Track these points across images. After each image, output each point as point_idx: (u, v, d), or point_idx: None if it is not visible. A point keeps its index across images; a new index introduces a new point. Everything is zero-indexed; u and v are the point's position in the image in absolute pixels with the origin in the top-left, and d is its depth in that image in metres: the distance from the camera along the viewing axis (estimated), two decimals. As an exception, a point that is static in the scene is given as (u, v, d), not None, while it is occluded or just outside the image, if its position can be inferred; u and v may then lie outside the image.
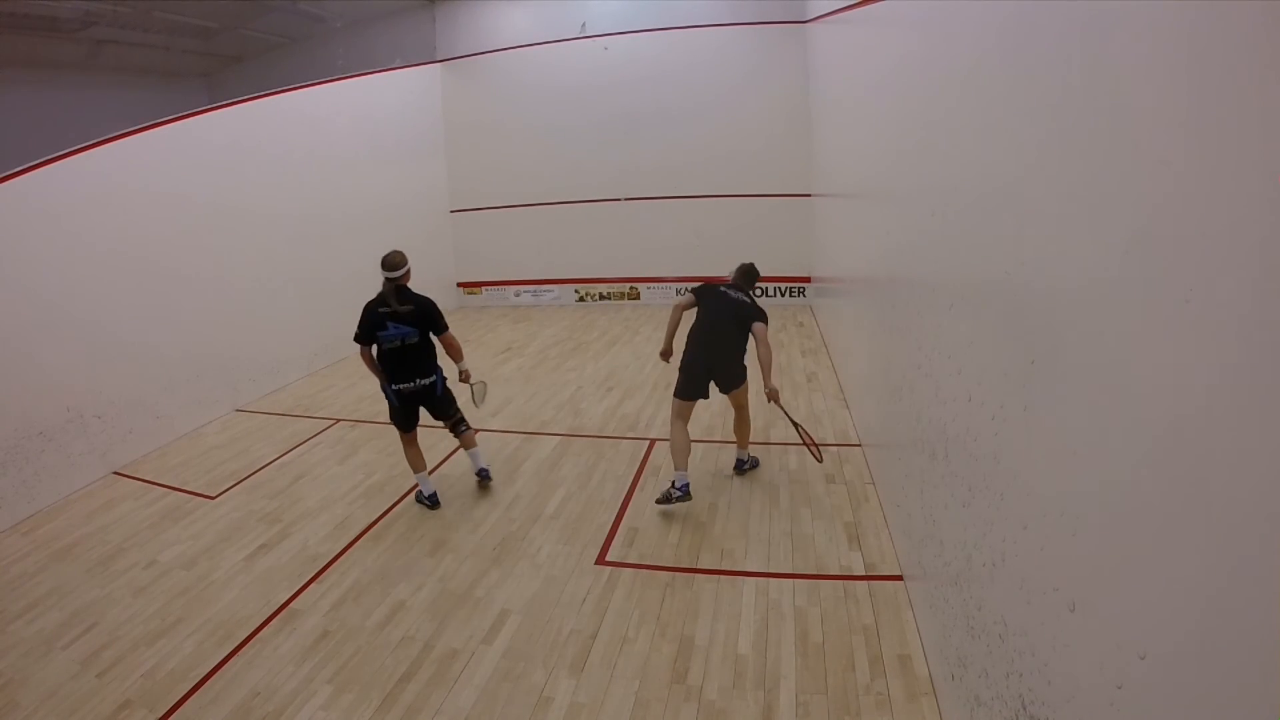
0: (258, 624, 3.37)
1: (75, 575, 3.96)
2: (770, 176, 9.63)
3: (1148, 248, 1.14)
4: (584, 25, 9.99)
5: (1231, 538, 0.93)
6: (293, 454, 5.54)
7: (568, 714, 2.67)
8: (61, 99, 9.44)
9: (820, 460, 4.30)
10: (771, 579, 3.43)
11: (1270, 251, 0.85)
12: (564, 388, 6.75)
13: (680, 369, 4.30)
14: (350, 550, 3.99)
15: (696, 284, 4.40)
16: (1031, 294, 1.66)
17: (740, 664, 2.86)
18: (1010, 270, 1.80)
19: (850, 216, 5.57)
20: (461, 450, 4.85)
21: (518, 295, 11.08)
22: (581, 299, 10.80)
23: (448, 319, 4.41)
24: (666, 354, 4.47)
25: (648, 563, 3.65)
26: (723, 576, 3.48)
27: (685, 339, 4.32)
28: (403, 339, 4.19)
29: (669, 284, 10.20)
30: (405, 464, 4.75)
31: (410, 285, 4.28)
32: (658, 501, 4.18)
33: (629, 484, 4.57)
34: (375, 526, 4.24)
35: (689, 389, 4.23)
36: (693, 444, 4.29)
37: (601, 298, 10.73)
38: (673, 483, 4.19)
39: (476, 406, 4.56)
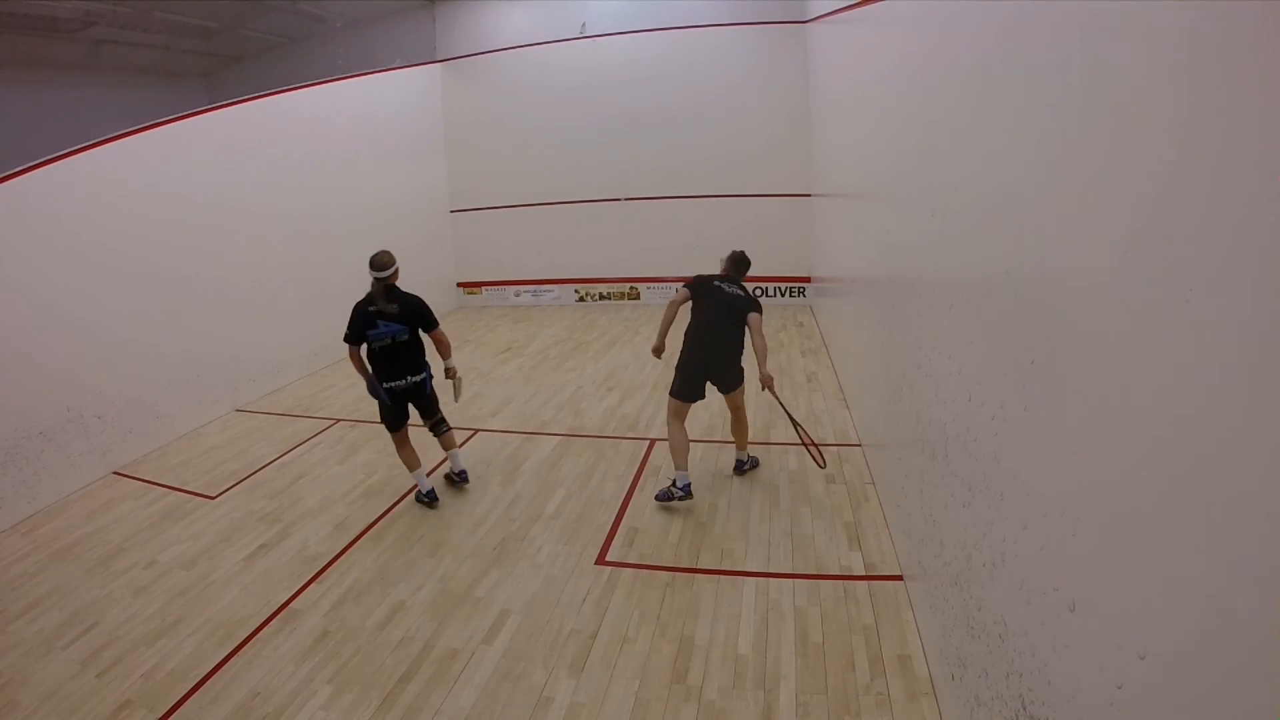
0: (258, 624, 3.37)
1: (75, 575, 3.96)
2: (770, 176, 9.63)
3: (1148, 248, 1.14)
4: (584, 25, 9.99)
5: (1231, 538, 0.93)
6: (293, 454, 5.54)
7: (568, 714, 2.67)
8: (61, 99, 9.44)
9: (823, 466, 4.27)
10: (771, 579, 3.43)
11: (1270, 251, 0.85)
12: (564, 388, 6.75)
13: (678, 369, 4.27)
14: (350, 550, 3.99)
15: (690, 279, 4.35)
16: (1031, 294, 1.66)
17: (740, 664, 2.86)
18: (1010, 270, 1.80)
19: (850, 216, 5.57)
20: (466, 446, 4.85)
21: (518, 295, 11.08)
22: (581, 299, 10.80)
23: (448, 319, 4.43)
24: (659, 350, 4.39)
25: (648, 563, 3.65)
26: (723, 576, 3.48)
27: (682, 337, 4.30)
28: (393, 336, 4.22)
29: (669, 284, 10.18)
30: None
31: (401, 285, 4.29)
32: (657, 498, 4.18)
33: (629, 484, 4.57)
34: (375, 526, 4.24)
35: (686, 390, 4.22)
36: (693, 444, 4.29)
37: (601, 298, 10.73)
38: (673, 481, 4.20)
39: (455, 401, 4.57)
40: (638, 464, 4.87)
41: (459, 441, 4.88)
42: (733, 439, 4.56)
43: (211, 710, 2.82)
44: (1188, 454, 1.03)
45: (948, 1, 2.44)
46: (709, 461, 4.75)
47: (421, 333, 4.34)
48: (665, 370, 4.39)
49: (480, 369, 7.60)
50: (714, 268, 4.50)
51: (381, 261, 4.19)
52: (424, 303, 4.33)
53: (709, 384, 4.26)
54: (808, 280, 9.74)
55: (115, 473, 5.44)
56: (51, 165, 5.22)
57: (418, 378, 4.36)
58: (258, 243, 7.15)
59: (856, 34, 5.10)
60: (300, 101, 7.97)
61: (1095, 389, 1.32)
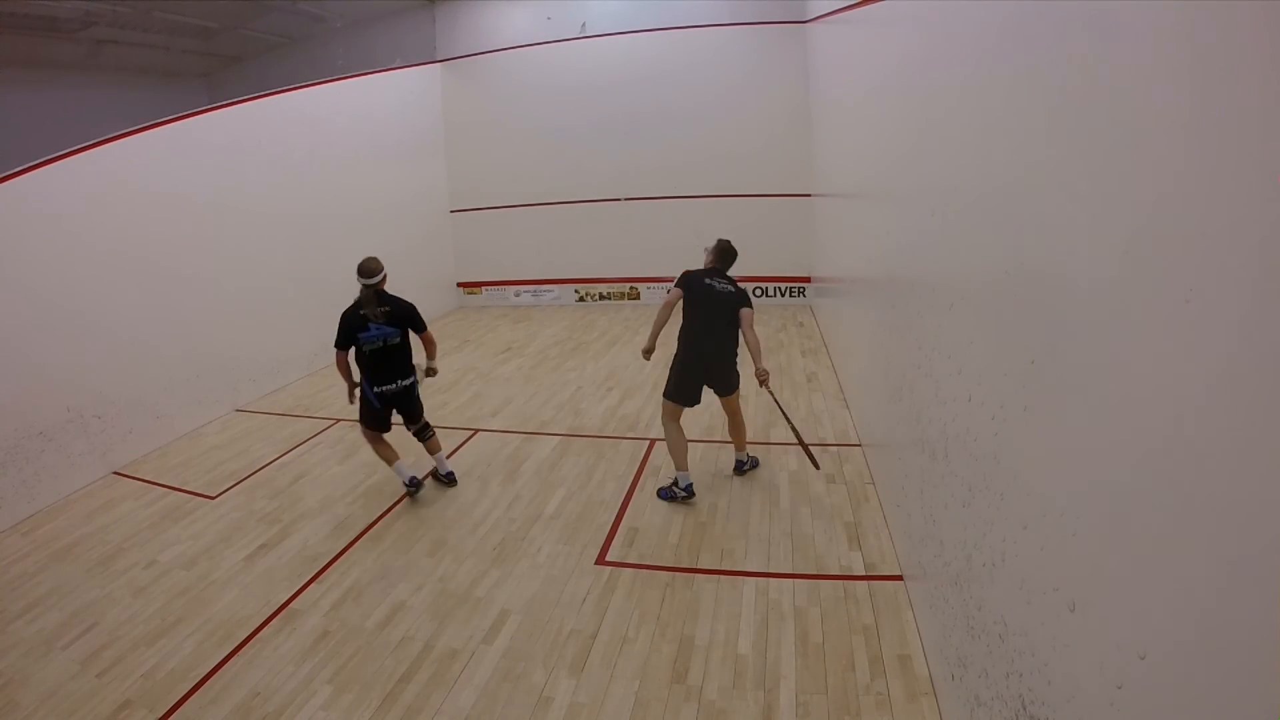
0: (258, 624, 3.37)
1: (75, 575, 3.96)
2: (770, 176, 9.63)
3: (1148, 248, 1.14)
4: (584, 25, 9.99)
5: (1231, 538, 0.93)
6: (293, 454, 5.54)
7: (568, 714, 2.67)
8: (61, 99, 9.44)
9: (818, 468, 4.25)
10: (771, 579, 3.43)
11: (1270, 251, 0.85)
12: (564, 388, 6.75)
13: (674, 372, 4.21)
14: (350, 550, 3.99)
15: (680, 277, 4.26)
16: (1031, 294, 1.66)
17: (740, 664, 2.86)
18: (1010, 270, 1.80)
19: (850, 216, 5.57)
20: (466, 446, 4.86)
21: (518, 295, 11.08)
22: (581, 299, 10.80)
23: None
24: (649, 352, 4.30)
25: (648, 563, 3.65)
26: (723, 576, 3.48)
27: (677, 338, 4.24)
28: (384, 339, 4.27)
29: (669, 284, 10.16)
30: (406, 463, 4.75)
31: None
32: (659, 494, 4.19)
33: (629, 484, 4.57)
34: (375, 526, 4.24)
35: (683, 394, 4.18)
36: (693, 444, 4.29)
37: (601, 298, 10.73)
38: (675, 480, 4.20)
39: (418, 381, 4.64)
40: (638, 464, 4.87)
41: (445, 446, 4.92)
42: (732, 439, 4.56)
43: (211, 710, 2.82)
44: (1188, 454, 1.03)
45: (948, 1, 2.44)
46: (709, 461, 4.75)
47: (411, 336, 4.41)
48: (665, 370, 4.37)
49: (480, 369, 7.60)
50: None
51: (370, 268, 4.25)
52: (413, 306, 4.42)
53: (707, 388, 4.23)
54: (808, 280, 9.74)
55: (115, 473, 5.45)
56: (51, 165, 5.22)
57: (407, 381, 4.43)
58: (258, 243, 7.15)
59: (856, 34, 5.10)
60: (300, 101, 7.96)
61: (1095, 389, 1.32)
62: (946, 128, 2.48)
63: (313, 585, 3.67)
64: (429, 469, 4.77)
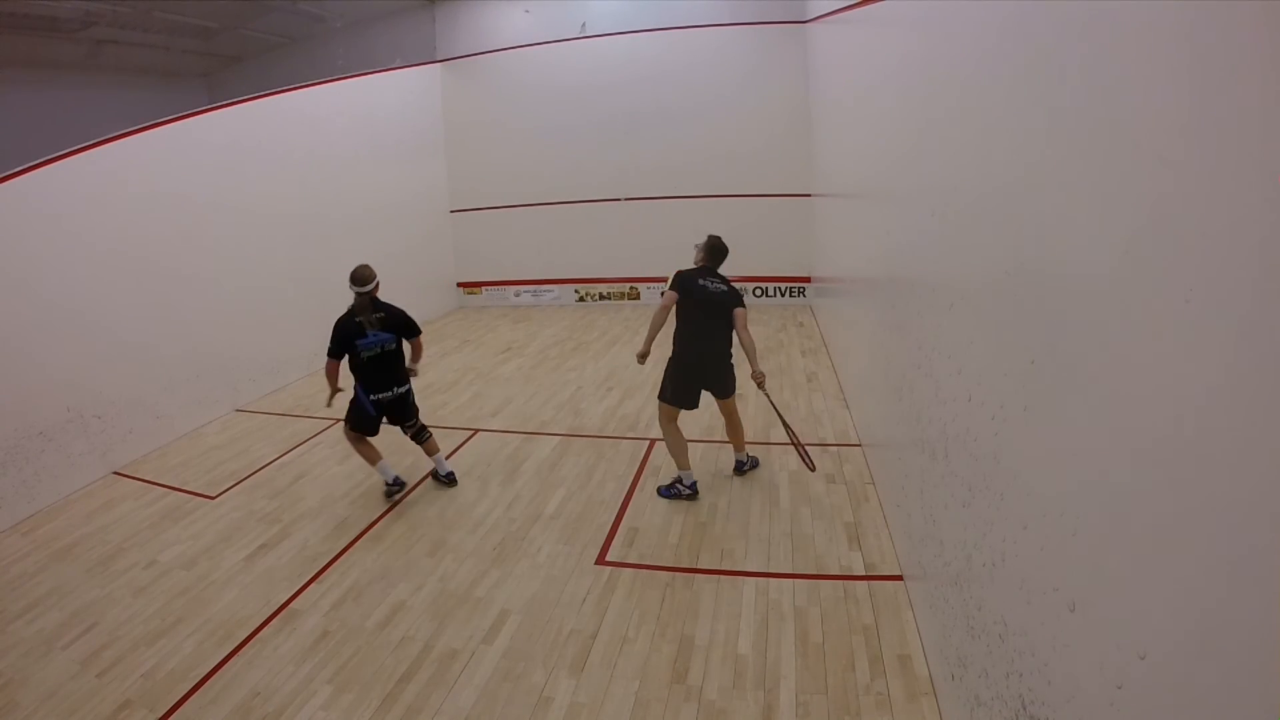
0: (258, 624, 3.37)
1: (75, 575, 3.96)
2: (770, 176, 9.63)
3: (1148, 248, 1.14)
4: (584, 25, 9.99)
5: (1231, 538, 0.93)
6: (293, 454, 5.54)
7: (568, 714, 2.67)
8: (61, 99, 9.45)
9: (813, 469, 4.25)
10: (771, 579, 3.43)
11: (1270, 251, 0.85)
12: (564, 388, 6.75)
13: (672, 375, 4.18)
14: (350, 550, 3.99)
15: (673, 279, 4.17)
16: (1031, 294, 1.66)
17: (740, 664, 2.86)
18: (1010, 270, 1.80)
19: (850, 216, 5.57)
20: (466, 446, 4.86)
21: (518, 295, 11.08)
22: (581, 299, 10.80)
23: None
24: (644, 357, 4.18)
25: (648, 563, 3.65)
26: (723, 576, 3.48)
27: (673, 340, 4.19)
28: (381, 345, 4.31)
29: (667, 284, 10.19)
30: (405, 464, 4.76)
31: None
32: (659, 492, 4.21)
33: (629, 484, 4.57)
34: (375, 526, 4.24)
35: (681, 398, 4.16)
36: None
37: (601, 298, 10.74)
38: (679, 479, 4.21)
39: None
40: (638, 464, 4.87)
41: (445, 446, 4.93)
42: (730, 441, 4.55)
43: (211, 710, 2.82)
44: (1188, 454, 1.03)
45: (948, 1, 2.44)
46: (709, 461, 4.75)
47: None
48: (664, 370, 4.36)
49: (480, 369, 7.60)
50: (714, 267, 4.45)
51: (364, 276, 4.28)
52: (405, 311, 4.46)
53: (704, 391, 4.22)
54: (808, 280, 9.75)
55: (115, 473, 5.44)
56: (51, 165, 5.22)
57: (403, 388, 4.47)
58: (258, 243, 7.15)
59: (856, 34, 5.10)
60: (300, 101, 7.96)
61: (1095, 389, 1.32)
62: (946, 128, 2.48)
63: (313, 585, 3.67)
64: (429, 470, 4.77)
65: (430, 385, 7.03)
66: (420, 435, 4.63)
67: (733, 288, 4.17)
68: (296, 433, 5.99)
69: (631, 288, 10.59)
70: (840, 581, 3.37)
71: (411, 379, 4.57)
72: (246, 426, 6.32)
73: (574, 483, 4.66)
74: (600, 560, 3.71)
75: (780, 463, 4.69)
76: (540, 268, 10.91)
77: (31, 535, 4.54)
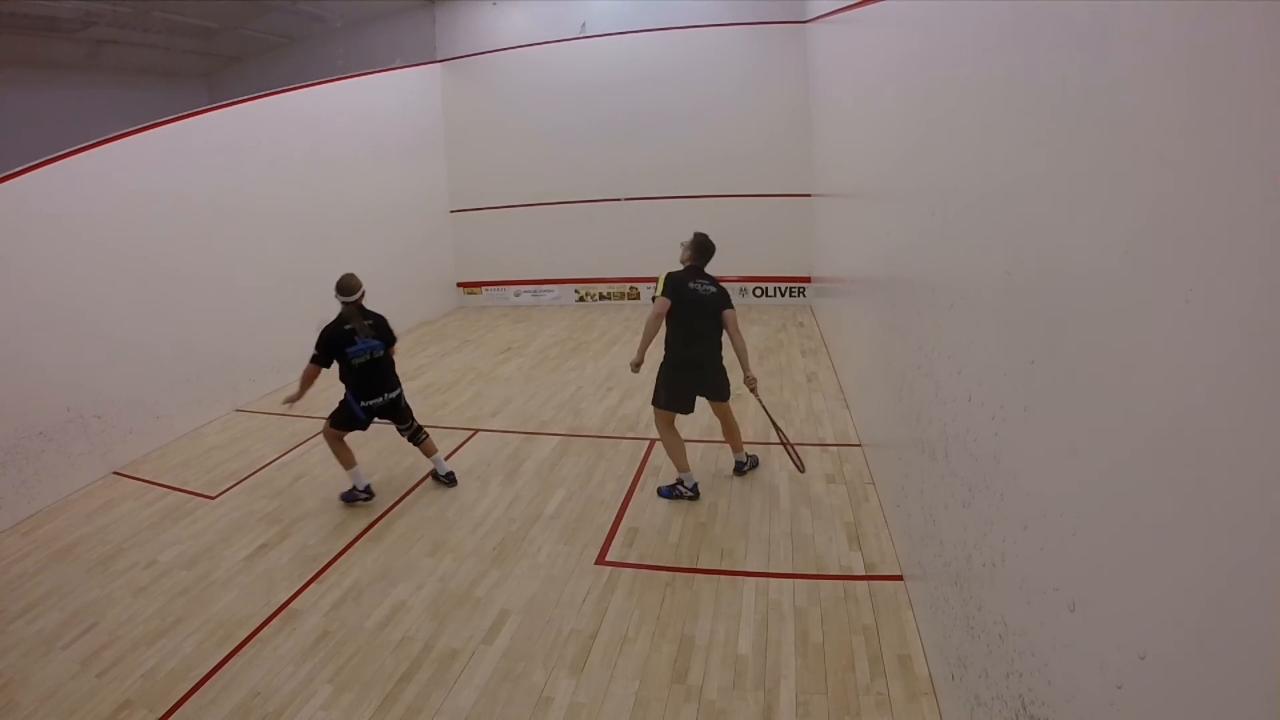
0: (258, 624, 3.37)
1: (75, 575, 3.96)
2: (770, 176, 9.63)
3: (1148, 248, 1.14)
4: (584, 25, 9.99)
5: (1231, 538, 0.93)
6: (293, 454, 5.54)
7: (568, 714, 2.67)
8: (61, 99, 9.44)
9: (802, 470, 4.24)
10: (771, 579, 3.43)
11: (1270, 251, 0.85)
12: (564, 388, 6.75)
13: (666, 380, 4.13)
14: (350, 550, 3.99)
15: (665, 283, 4.05)
16: (1031, 294, 1.66)
17: (740, 664, 2.86)
18: (1010, 270, 1.80)
19: (850, 216, 5.57)
20: (466, 446, 4.86)
21: (518, 295, 11.08)
22: (581, 299, 10.80)
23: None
24: (638, 365, 4.15)
25: (648, 563, 3.65)
26: (723, 576, 3.48)
27: (665, 345, 4.14)
28: (371, 352, 4.35)
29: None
30: (405, 464, 4.76)
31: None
32: (659, 492, 4.22)
33: (629, 484, 4.57)
34: (375, 526, 4.24)
35: (677, 402, 4.14)
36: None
37: (601, 298, 10.74)
38: (680, 480, 4.20)
39: None
40: (638, 464, 4.87)
41: (446, 446, 4.93)
42: (727, 442, 4.55)
43: (211, 710, 2.82)
44: (1188, 454, 1.03)
45: (948, 1, 2.44)
46: (709, 462, 4.75)
47: None
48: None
49: (480, 369, 7.60)
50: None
51: (351, 285, 4.32)
52: (386, 319, 4.51)
53: (700, 395, 4.21)
54: (808, 280, 9.74)
55: (115, 473, 5.44)
56: (51, 165, 5.22)
57: (393, 394, 4.49)
58: (258, 243, 7.14)
59: (856, 34, 5.10)
60: (300, 101, 7.96)
61: (1095, 389, 1.32)
62: (946, 128, 2.48)
63: (313, 585, 3.67)
64: (429, 470, 4.77)
65: (430, 385, 7.03)
66: (417, 436, 4.64)
67: (722, 288, 4.14)
68: (296, 433, 5.99)
69: (631, 288, 10.58)
70: (840, 581, 3.37)
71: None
72: (246, 426, 6.32)
73: (574, 483, 4.66)
74: (600, 560, 3.71)
75: (780, 463, 4.69)
76: (540, 268, 10.90)
77: (31, 535, 4.54)
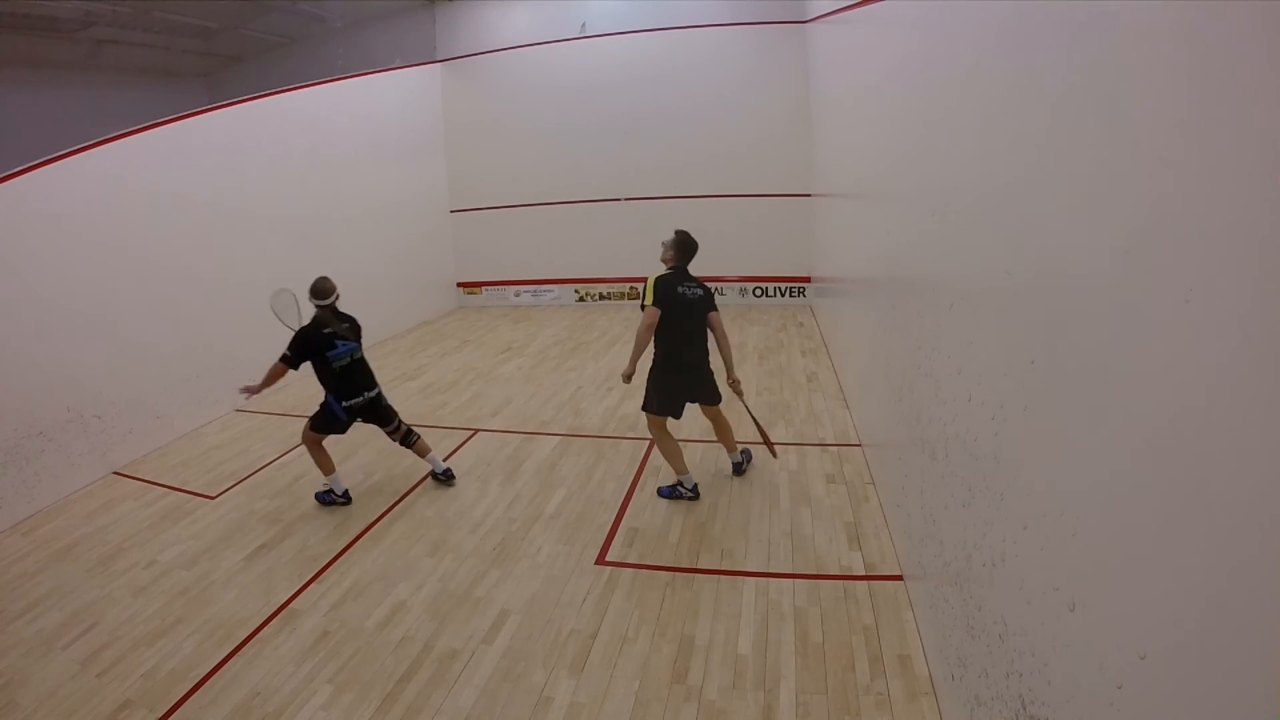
0: (258, 624, 3.37)
1: (75, 575, 3.96)
2: (770, 176, 9.63)
3: (1148, 248, 1.14)
4: (584, 25, 10.00)
5: (1231, 538, 0.93)
6: (293, 454, 5.53)
7: (568, 714, 2.67)
8: (61, 99, 9.45)
9: (775, 456, 4.35)
10: (771, 579, 3.43)
11: (1270, 251, 0.85)
12: (564, 388, 6.75)
13: (657, 385, 4.11)
14: (350, 550, 3.99)
15: (654, 290, 3.95)
16: (1031, 294, 1.66)
17: (740, 664, 2.86)
18: (1010, 270, 1.80)
19: (850, 216, 5.57)
20: (466, 446, 4.86)
21: (518, 295, 11.08)
22: (581, 299, 10.80)
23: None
24: (630, 377, 4.07)
25: (648, 563, 3.65)
26: (723, 576, 3.48)
27: (655, 349, 4.09)
28: (350, 354, 4.41)
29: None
30: (405, 464, 4.75)
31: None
32: (659, 492, 4.22)
33: (629, 484, 4.57)
34: (375, 526, 4.24)
35: (668, 407, 4.13)
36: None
37: (601, 298, 10.74)
38: (680, 483, 4.20)
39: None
40: (638, 464, 4.87)
41: (446, 446, 4.93)
42: (721, 444, 4.54)
43: (211, 710, 2.82)
44: (1188, 454, 1.03)
45: (948, 1, 2.44)
46: (709, 462, 4.75)
47: None
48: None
49: (480, 369, 7.60)
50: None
51: (326, 289, 4.38)
52: (356, 319, 4.57)
53: (692, 401, 4.22)
54: (808, 280, 9.74)
55: (115, 473, 5.44)
56: (51, 165, 5.22)
57: (373, 392, 4.52)
58: (258, 243, 7.14)
59: (856, 34, 5.10)
60: (300, 101, 7.97)
61: (1095, 389, 1.32)
62: (946, 128, 2.48)
63: (313, 585, 3.67)
64: (427, 470, 4.77)
65: (430, 385, 7.03)
66: (408, 439, 4.64)
67: (707, 289, 4.12)
68: (297, 432, 5.94)
69: (631, 288, 10.58)
70: (840, 581, 3.37)
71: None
72: (246, 426, 6.33)
73: (574, 483, 4.66)
74: (600, 560, 3.71)
75: (780, 463, 4.68)
76: (540, 268, 10.91)
77: (31, 535, 4.54)
